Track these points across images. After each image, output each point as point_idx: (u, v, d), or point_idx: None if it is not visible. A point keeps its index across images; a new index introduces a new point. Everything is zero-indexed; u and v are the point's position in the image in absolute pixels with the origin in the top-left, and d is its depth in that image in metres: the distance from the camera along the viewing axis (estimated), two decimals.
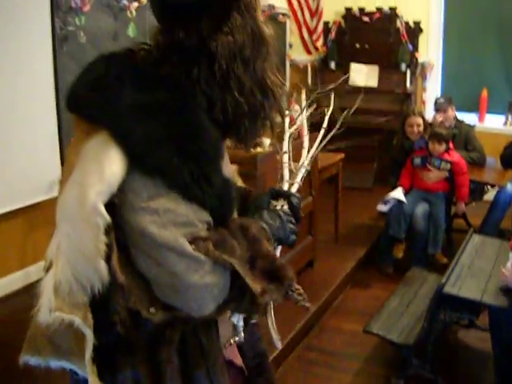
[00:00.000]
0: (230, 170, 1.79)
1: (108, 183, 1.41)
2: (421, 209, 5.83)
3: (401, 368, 4.20)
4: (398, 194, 5.85)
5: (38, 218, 4.92)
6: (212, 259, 1.48)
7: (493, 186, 6.49)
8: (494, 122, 8.33)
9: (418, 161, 5.95)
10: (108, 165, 1.42)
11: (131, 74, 1.52)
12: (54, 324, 1.48)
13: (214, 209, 1.51)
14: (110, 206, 1.44)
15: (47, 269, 1.56)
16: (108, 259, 1.45)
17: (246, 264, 1.53)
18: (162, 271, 1.46)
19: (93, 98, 1.49)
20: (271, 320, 1.76)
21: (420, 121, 6.12)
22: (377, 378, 4.29)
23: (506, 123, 8.25)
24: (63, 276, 1.48)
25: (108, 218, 1.42)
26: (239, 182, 2.02)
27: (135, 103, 1.46)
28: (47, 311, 1.50)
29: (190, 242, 1.46)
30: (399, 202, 5.78)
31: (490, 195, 6.60)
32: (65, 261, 1.48)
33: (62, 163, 4.95)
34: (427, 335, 4.00)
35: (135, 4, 5.60)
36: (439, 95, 7.84)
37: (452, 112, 6.68)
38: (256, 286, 1.53)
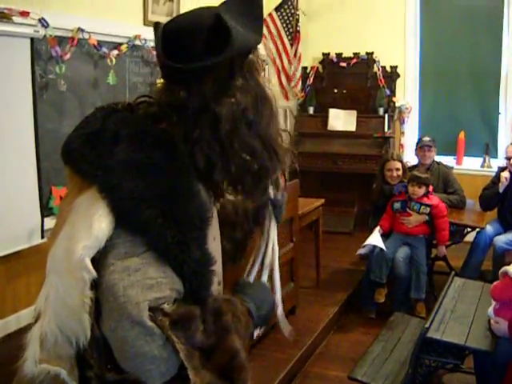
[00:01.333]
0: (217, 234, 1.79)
1: (95, 238, 1.43)
2: (402, 253, 5.84)
3: None
4: (375, 240, 5.84)
5: (17, 267, 4.86)
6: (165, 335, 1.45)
7: (473, 228, 6.52)
8: (471, 164, 8.41)
9: (397, 205, 5.98)
10: (96, 220, 1.44)
11: (127, 131, 1.53)
12: (40, 376, 1.48)
13: (189, 279, 1.50)
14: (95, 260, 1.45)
15: (36, 319, 1.56)
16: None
17: (194, 352, 1.47)
18: (115, 334, 1.44)
19: (86, 153, 1.52)
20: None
21: (399, 165, 6.17)
22: None
23: (483, 165, 8.33)
24: (49, 327, 1.49)
25: (94, 272, 1.43)
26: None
27: (126, 160, 1.48)
28: (33, 363, 1.50)
29: (150, 309, 1.43)
30: (380, 249, 5.78)
31: (470, 237, 6.64)
32: (52, 312, 1.49)
33: (42, 211, 4.93)
34: (412, 381, 3.98)
35: (115, 52, 5.64)
36: (417, 139, 7.90)
37: (434, 153, 6.74)
38: (196, 379, 1.47)
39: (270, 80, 1.74)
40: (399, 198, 5.98)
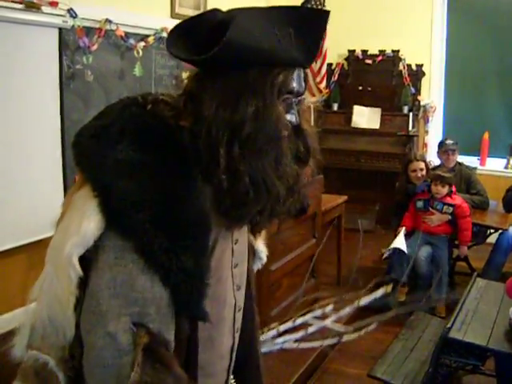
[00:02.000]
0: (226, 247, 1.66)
1: (83, 237, 1.39)
2: (424, 252, 5.83)
3: None
4: (399, 243, 5.82)
5: (40, 255, 4.84)
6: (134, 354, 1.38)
7: (495, 229, 6.48)
8: (495, 165, 8.36)
9: (420, 204, 5.96)
10: (86, 219, 1.39)
11: (134, 128, 1.46)
12: (28, 361, 1.48)
13: (177, 290, 1.42)
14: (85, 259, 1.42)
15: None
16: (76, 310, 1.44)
17: None
18: (87, 337, 1.40)
19: (89, 147, 1.47)
20: None
21: (422, 165, 6.16)
22: None
23: (507, 166, 8.28)
24: (40, 316, 1.47)
25: (80, 272, 1.40)
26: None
27: (124, 159, 1.41)
28: (23, 348, 1.51)
29: (134, 324, 1.38)
30: (400, 250, 5.76)
31: (492, 238, 6.60)
32: (45, 302, 1.48)
33: None
34: (432, 381, 3.96)
35: (142, 44, 5.66)
36: (441, 138, 7.87)
37: (457, 155, 6.72)
38: None
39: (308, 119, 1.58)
40: (422, 196, 5.97)
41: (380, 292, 2.67)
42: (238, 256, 1.69)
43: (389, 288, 5.79)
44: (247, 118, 1.41)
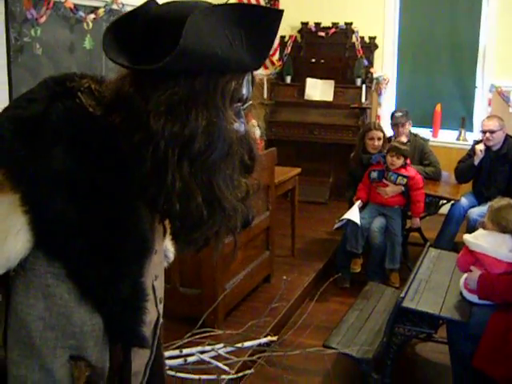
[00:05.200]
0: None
1: (7, 259, 1.23)
2: (377, 223, 5.86)
3: (360, 383, 4.19)
4: (353, 214, 5.84)
5: None
6: None
7: (448, 200, 6.55)
8: (447, 137, 8.43)
9: (374, 175, 5.98)
10: (13, 237, 1.22)
11: (74, 132, 1.28)
12: None
13: (115, 319, 1.34)
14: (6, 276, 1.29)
15: None
16: None
17: None
18: (15, 368, 1.30)
19: (13, 143, 1.25)
20: None
21: (380, 135, 6.18)
22: None
23: (459, 138, 8.35)
24: None
25: None
26: None
27: (62, 170, 1.24)
28: None
29: (72, 358, 1.30)
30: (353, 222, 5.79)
31: (444, 209, 6.67)
32: None
33: None
34: (386, 349, 4.00)
35: (92, 16, 5.55)
36: (394, 110, 7.91)
37: (409, 126, 6.75)
38: None
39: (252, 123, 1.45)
40: (377, 167, 5.98)
41: (264, 339, 2.78)
42: (157, 267, 1.55)
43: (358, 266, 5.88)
44: (198, 133, 1.28)
